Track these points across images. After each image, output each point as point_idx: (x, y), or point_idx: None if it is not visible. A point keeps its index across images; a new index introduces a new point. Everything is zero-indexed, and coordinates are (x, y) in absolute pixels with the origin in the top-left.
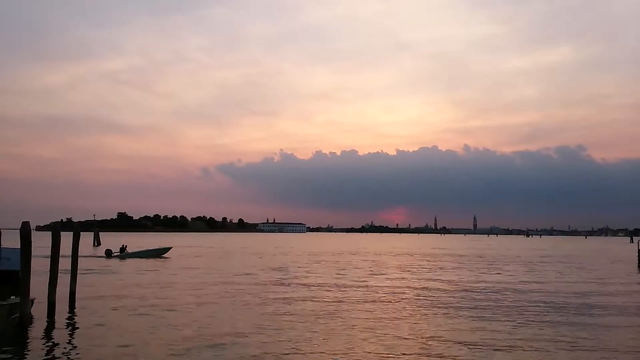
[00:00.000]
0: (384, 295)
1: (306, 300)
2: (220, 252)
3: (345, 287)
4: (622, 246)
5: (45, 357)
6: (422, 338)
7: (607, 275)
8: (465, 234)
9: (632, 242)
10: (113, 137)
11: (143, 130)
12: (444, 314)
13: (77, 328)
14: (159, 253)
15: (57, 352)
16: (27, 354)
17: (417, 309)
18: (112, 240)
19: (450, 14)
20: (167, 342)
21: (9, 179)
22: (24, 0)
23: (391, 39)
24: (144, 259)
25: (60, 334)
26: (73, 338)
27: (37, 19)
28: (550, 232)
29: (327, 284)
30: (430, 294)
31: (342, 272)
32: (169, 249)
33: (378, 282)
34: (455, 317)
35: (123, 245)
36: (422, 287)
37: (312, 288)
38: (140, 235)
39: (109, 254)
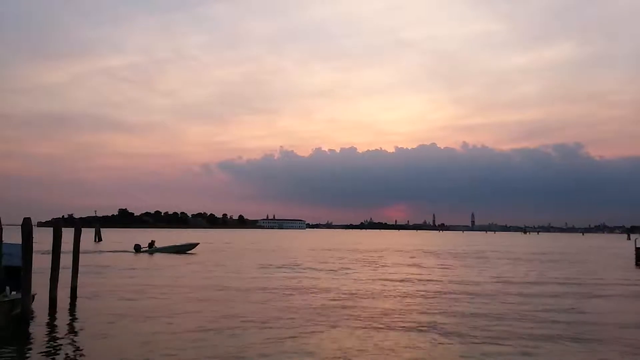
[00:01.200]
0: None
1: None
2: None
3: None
4: (619, 243)
5: (46, 353)
6: None
7: (607, 272)
8: (463, 231)
9: (629, 239)
10: (114, 134)
11: (144, 128)
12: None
13: (78, 324)
14: (186, 249)
15: (56, 348)
16: (28, 349)
17: None
18: (113, 236)
19: (450, 12)
20: (176, 340)
21: (11, 176)
22: None
23: (391, 36)
24: (172, 254)
25: (60, 329)
26: (73, 334)
27: (38, 18)
28: (548, 229)
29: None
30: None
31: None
32: (196, 244)
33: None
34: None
35: (151, 241)
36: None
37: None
38: (143, 231)
39: (137, 248)
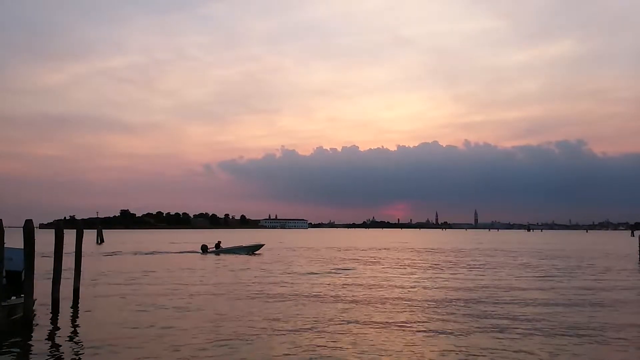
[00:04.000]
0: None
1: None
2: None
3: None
4: (623, 240)
5: (47, 357)
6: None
7: (612, 269)
8: (466, 229)
9: (633, 235)
10: (115, 135)
11: (145, 128)
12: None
13: (80, 328)
14: (252, 249)
15: (58, 351)
16: (30, 354)
17: None
18: (115, 237)
19: (450, 9)
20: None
21: (12, 178)
22: None
23: (391, 34)
24: (239, 255)
25: (62, 333)
26: (75, 337)
27: (38, 18)
28: (551, 226)
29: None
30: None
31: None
32: (262, 245)
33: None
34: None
35: (218, 242)
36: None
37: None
38: (145, 232)
39: (204, 249)
